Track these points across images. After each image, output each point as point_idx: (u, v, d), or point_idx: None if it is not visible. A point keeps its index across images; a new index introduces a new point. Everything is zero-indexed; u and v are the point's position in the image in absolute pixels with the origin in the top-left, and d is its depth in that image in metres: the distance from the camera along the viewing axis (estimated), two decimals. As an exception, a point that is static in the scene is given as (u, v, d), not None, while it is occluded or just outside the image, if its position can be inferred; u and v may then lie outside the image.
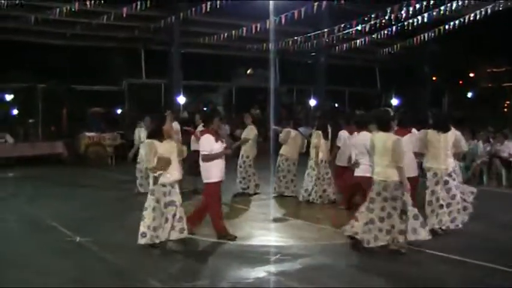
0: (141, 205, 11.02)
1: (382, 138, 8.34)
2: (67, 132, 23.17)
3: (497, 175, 16.40)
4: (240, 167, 13.98)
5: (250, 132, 13.98)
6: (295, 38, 24.11)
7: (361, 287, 6.98)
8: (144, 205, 8.51)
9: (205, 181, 9.17)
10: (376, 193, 8.31)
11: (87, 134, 21.05)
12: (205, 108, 29.67)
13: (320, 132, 12.65)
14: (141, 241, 8.39)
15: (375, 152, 8.44)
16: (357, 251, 8.38)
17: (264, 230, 10.20)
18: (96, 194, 13.48)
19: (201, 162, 9.12)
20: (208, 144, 9.02)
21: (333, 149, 12.90)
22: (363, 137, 9.90)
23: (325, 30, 22.87)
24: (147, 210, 8.44)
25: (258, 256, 8.21)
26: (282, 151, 13.64)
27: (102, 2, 17.67)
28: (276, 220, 11.16)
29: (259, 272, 7.42)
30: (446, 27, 21.02)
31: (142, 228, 8.40)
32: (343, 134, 12.50)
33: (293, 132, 13.58)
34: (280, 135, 13.72)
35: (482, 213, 10.70)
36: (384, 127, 8.42)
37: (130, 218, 11.06)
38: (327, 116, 14.59)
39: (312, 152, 12.73)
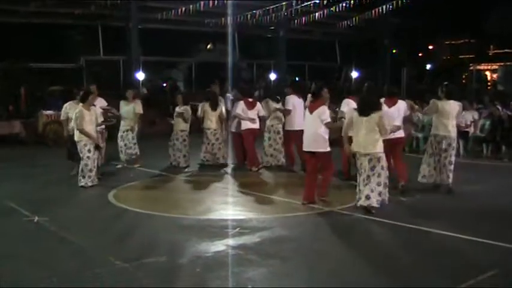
0: (99, 184, 11.00)
1: (453, 106, 10.94)
2: (25, 112, 22.78)
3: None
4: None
5: (138, 107, 14.47)
6: (254, 11, 23.98)
7: (319, 259, 7.04)
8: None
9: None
10: (437, 143, 10.98)
11: (45, 112, 20.68)
12: (164, 84, 29.55)
13: (207, 103, 14.19)
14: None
15: (444, 115, 10.87)
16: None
17: (223, 204, 10.25)
18: (55, 173, 13.29)
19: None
20: None
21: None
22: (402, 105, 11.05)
23: (284, 3, 22.79)
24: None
25: (217, 230, 8.24)
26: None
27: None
28: (235, 194, 11.23)
29: (219, 246, 7.44)
30: (405, -1, 21.14)
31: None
32: (241, 104, 13.74)
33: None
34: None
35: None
36: (453, 97, 11.11)
37: (89, 197, 11.04)
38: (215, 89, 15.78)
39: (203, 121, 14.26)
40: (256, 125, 13.72)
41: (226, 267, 6.67)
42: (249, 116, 13.61)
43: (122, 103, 14.46)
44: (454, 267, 6.63)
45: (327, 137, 9.78)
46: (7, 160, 16.55)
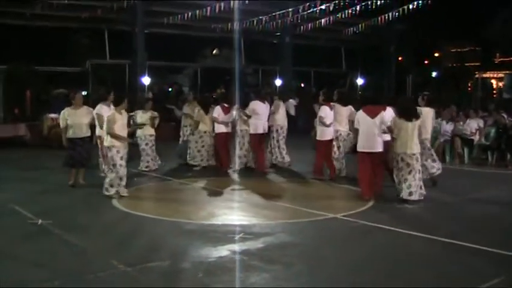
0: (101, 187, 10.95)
1: (430, 111, 12.24)
2: (31, 114, 22.84)
3: (459, 153, 16.62)
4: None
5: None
6: (260, 17, 23.98)
7: (323, 265, 7.02)
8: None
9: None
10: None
11: (50, 115, 20.71)
12: (170, 89, 29.56)
13: (200, 108, 14.88)
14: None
15: (425, 120, 11.69)
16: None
17: (226, 208, 10.24)
18: (58, 176, 13.25)
19: None
20: None
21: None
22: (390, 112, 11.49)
23: (290, 9, 22.79)
24: None
25: (221, 235, 8.22)
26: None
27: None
28: (238, 198, 11.27)
29: (222, 251, 7.41)
30: (411, 6, 21.11)
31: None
32: (218, 109, 14.47)
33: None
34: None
35: (455, 190, 11.88)
36: (431, 105, 12.57)
37: (93, 200, 11.02)
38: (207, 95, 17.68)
39: (194, 125, 15.06)
40: (229, 129, 14.61)
41: (229, 272, 6.64)
42: (224, 120, 14.35)
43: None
44: (457, 275, 6.60)
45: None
46: (12, 162, 16.63)
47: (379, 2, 20.23)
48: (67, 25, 25.99)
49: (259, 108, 14.39)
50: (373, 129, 10.74)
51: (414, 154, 10.61)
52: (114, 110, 11.09)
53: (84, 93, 25.88)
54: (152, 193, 12.22)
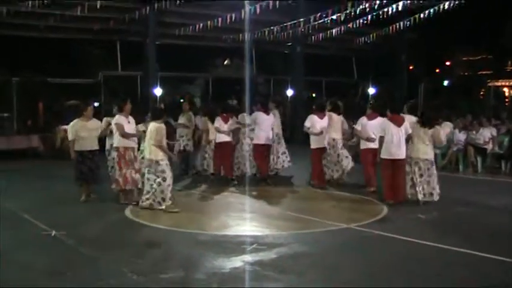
0: (115, 197, 10.99)
1: (410, 118, 11.89)
2: (43, 126, 22.94)
3: (472, 162, 16.55)
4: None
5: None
6: (271, 27, 24.02)
7: (336, 275, 7.00)
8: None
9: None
10: None
11: (63, 127, 20.74)
12: (182, 100, 29.62)
13: (207, 118, 15.01)
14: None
15: None
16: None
17: (239, 219, 10.24)
18: (71, 187, 13.23)
19: None
20: None
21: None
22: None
23: (301, 19, 22.81)
24: None
25: (234, 246, 8.22)
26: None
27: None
28: (250, 209, 11.23)
29: (235, 262, 7.42)
30: (422, 15, 21.07)
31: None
32: (219, 119, 14.55)
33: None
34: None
35: (468, 199, 11.92)
36: (414, 112, 12.52)
37: (105, 211, 11.03)
38: (213, 105, 17.70)
39: (204, 134, 15.17)
40: (230, 138, 14.57)
41: (243, 282, 6.65)
42: (225, 129, 14.47)
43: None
44: (469, 285, 6.55)
45: None
46: (25, 173, 16.71)
47: (390, 12, 20.14)
48: (79, 37, 26.15)
49: (261, 118, 14.31)
50: (399, 137, 11.31)
51: (427, 159, 11.42)
52: (158, 123, 10.87)
53: (96, 104, 26.02)
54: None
